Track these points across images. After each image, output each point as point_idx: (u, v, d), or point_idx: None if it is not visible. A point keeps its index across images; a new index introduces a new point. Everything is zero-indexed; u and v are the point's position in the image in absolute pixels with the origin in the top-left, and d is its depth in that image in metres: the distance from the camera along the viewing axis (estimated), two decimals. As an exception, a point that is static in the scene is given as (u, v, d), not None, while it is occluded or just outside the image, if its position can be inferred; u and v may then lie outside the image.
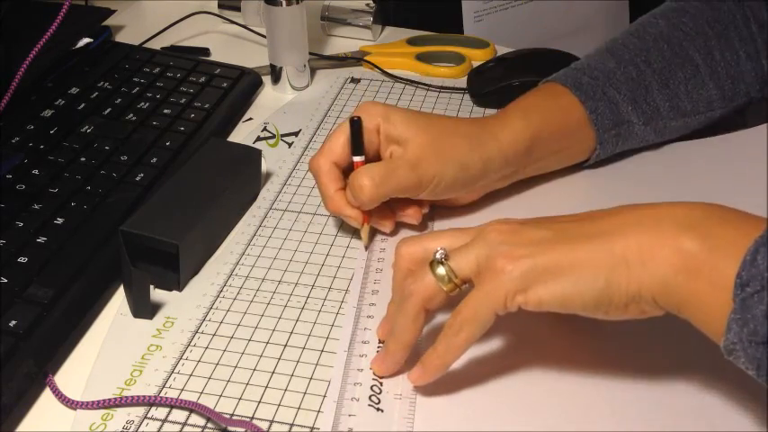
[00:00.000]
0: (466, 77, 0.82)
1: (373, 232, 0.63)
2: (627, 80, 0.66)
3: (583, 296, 0.45)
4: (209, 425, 0.49)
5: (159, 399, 0.50)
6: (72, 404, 0.50)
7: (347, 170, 0.62)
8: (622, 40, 0.69)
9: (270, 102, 0.82)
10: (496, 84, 0.79)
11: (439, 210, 0.65)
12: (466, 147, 0.61)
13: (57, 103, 0.74)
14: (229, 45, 0.92)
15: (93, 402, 0.50)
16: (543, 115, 0.64)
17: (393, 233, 0.63)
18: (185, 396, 0.51)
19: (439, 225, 0.64)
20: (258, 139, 0.76)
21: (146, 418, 0.49)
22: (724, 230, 0.43)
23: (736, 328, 0.41)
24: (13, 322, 0.52)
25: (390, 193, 0.60)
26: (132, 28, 0.95)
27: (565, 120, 0.65)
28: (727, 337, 0.41)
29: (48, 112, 0.73)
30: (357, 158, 0.61)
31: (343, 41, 0.93)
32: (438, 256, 0.48)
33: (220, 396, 0.51)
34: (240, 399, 0.50)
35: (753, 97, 0.70)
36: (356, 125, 0.60)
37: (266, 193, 0.69)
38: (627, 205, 0.47)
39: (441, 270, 0.48)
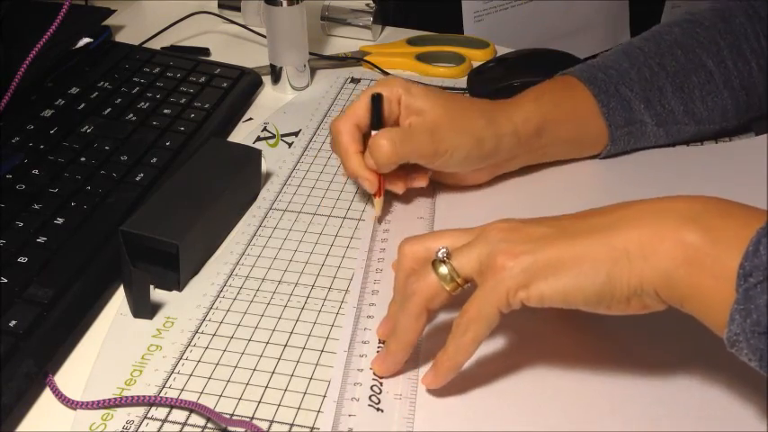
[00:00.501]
0: (466, 78, 0.82)
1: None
2: (640, 80, 0.68)
3: (584, 290, 0.45)
4: (209, 425, 0.49)
5: (159, 399, 0.50)
6: (72, 404, 0.50)
7: (367, 137, 0.64)
8: (637, 44, 0.71)
9: (270, 102, 0.82)
10: (497, 84, 0.79)
11: (441, 210, 0.65)
12: (482, 122, 0.63)
13: (57, 103, 0.74)
14: (229, 45, 0.92)
15: (93, 402, 0.50)
16: (555, 102, 0.66)
17: (396, 233, 0.63)
18: (185, 396, 0.51)
19: (441, 225, 0.64)
20: (258, 139, 0.76)
21: (146, 418, 0.49)
22: (725, 222, 0.43)
23: (739, 319, 0.41)
24: (13, 322, 0.52)
25: (407, 155, 0.62)
26: (132, 28, 0.95)
27: (576, 109, 0.67)
28: (729, 329, 0.41)
29: (48, 112, 0.73)
30: (375, 133, 0.63)
31: (343, 41, 0.93)
32: (440, 255, 0.48)
33: (220, 396, 0.51)
34: (240, 399, 0.50)
35: (766, 112, 0.71)
36: (377, 100, 0.63)
37: (266, 193, 0.69)
38: (627, 201, 0.47)
39: (443, 269, 0.48)
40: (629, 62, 0.69)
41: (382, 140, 0.61)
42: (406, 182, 0.65)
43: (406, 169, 0.64)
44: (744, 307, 0.41)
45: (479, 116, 0.63)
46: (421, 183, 0.65)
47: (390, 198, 0.66)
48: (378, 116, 0.63)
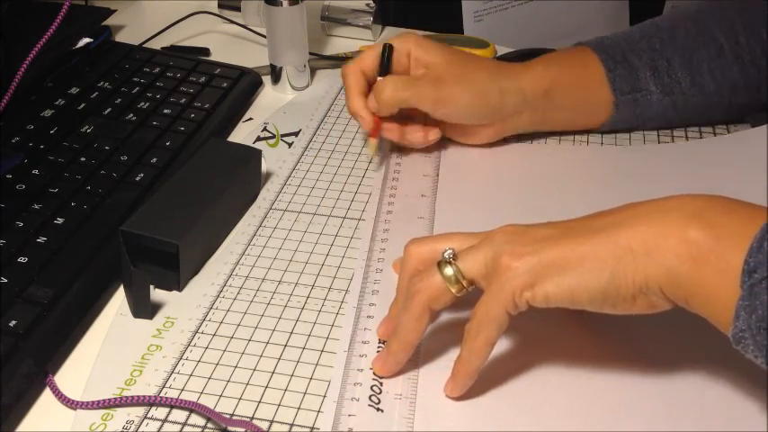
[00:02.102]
0: (466, 77, 0.82)
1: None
2: (648, 50, 0.70)
3: (589, 289, 0.45)
4: (209, 425, 0.49)
5: (159, 399, 0.50)
6: (72, 404, 0.50)
7: (373, 83, 0.69)
8: (652, 20, 0.73)
9: (270, 102, 0.82)
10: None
11: (441, 210, 0.65)
12: (486, 75, 0.68)
13: (57, 103, 0.74)
14: (229, 45, 0.92)
15: (93, 402, 0.50)
16: (564, 66, 0.70)
17: (396, 233, 0.63)
18: (185, 396, 0.51)
19: (441, 225, 0.64)
20: (258, 139, 0.76)
21: (146, 418, 0.49)
22: (728, 219, 0.43)
23: (745, 315, 0.41)
24: (13, 322, 0.52)
25: (409, 98, 0.67)
26: (132, 28, 0.95)
27: (584, 73, 0.70)
28: (735, 325, 0.41)
29: (48, 112, 0.73)
30: (381, 78, 0.69)
31: (343, 41, 0.93)
32: (446, 256, 0.49)
33: (220, 396, 0.51)
34: (240, 399, 0.50)
35: None
36: (388, 50, 0.68)
37: (266, 193, 0.69)
38: (631, 203, 0.47)
39: (448, 270, 0.48)
40: (639, 33, 0.71)
41: (385, 83, 0.67)
42: (402, 130, 0.70)
43: (409, 123, 0.69)
44: (749, 303, 0.41)
45: (484, 70, 0.68)
46: (419, 141, 0.70)
47: (390, 198, 0.67)
48: (386, 64, 0.68)
